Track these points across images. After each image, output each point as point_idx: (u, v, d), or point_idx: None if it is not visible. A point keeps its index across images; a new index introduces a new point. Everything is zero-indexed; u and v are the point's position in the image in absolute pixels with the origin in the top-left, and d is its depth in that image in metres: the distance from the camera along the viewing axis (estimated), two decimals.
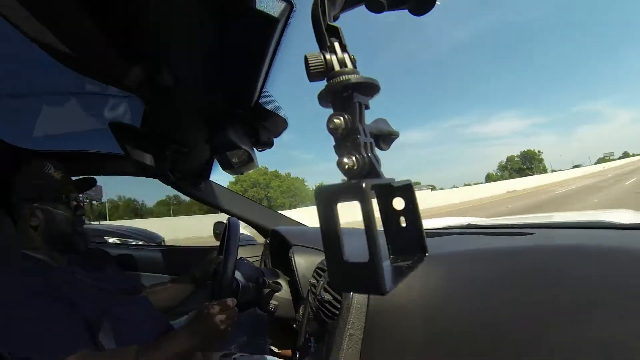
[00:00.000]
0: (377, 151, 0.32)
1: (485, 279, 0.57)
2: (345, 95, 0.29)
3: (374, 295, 0.30)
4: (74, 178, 1.03)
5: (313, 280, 0.97)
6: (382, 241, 0.31)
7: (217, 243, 1.68)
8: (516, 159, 78.01)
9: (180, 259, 1.80)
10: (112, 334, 0.87)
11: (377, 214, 0.31)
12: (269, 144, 0.79)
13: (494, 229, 0.90)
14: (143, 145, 0.90)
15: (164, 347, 0.83)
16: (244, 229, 1.81)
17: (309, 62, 0.29)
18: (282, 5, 0.50)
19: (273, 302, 1.15)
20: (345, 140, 0.29)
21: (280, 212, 1.90)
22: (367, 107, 0.31)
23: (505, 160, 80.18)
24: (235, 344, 1.29)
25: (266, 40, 0.51)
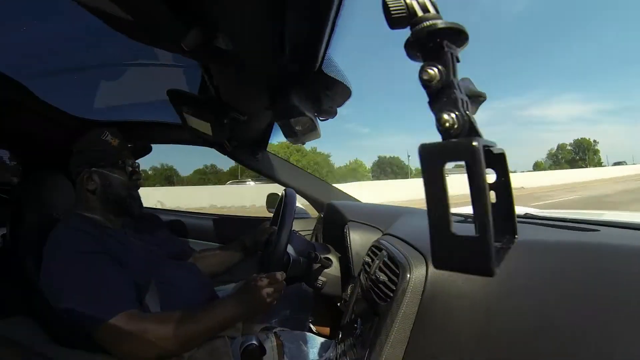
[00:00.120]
0: None
1: (551, 273, 0.53)
2: (435, 44, 0.26)
3: (478, 275, 0.25)
4: (130, 145, 1.07)
5: (367, 259, 0.94)
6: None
7: (268, 214, 1.70)
8: (568, 147, 72.24)
9: (231, 228, 1.83)
10: (158, 297, 0.91)
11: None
12: (332, 113, 0.76)
13: (556, 222, 0.82)
14: (201, 113, 0.90)
15: (209, 313, 0.84)
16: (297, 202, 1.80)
17: (389, 6, 0.26)
18: None
19: (321, 278, 1.14)
20: (441, 95, 0.26)
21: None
22: (457, 60, 0.27)
23: (555, 148, 74.51)
24: (276, 318, 1.30)
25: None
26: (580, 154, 69.63)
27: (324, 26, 0.51)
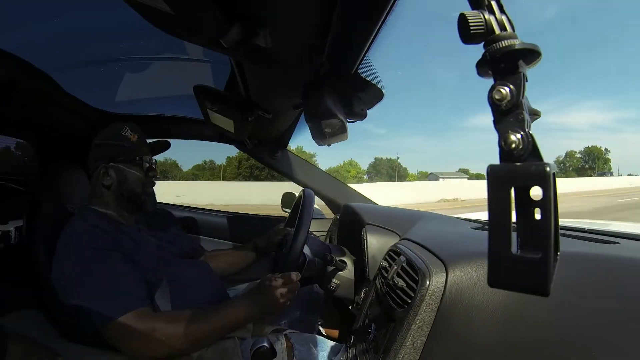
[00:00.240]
0: None
1: (571, 286, 0.53)
2: (509, 64, 0.26)
3: (533, 294, 0.25)
4: (148, 141, 1.07)
5: (384, 263, 0.93)
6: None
7: (282, 213, 1.69)
8: (577, 155, 71.30)
9: (245, 227, 1.82)
10: (169, 295, 0.90)
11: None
12: (362, 116, 0.75)
13: (573, 232, 0.81)
14: (226, 110, 0.89)
15: (220, 313, 0.84)
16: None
17: (469, 21, 0.26)
18: None
19: (335, 280, 1.13)
20: (509, 114, 0.26)
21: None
22: (526, 79, 0.27)
23: (563, 156, 73.50)
24: (286, 319, 1.29)
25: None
26: (590, 163, 68.72)
27: (369, 32, 0.50)
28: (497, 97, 0.26)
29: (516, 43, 0.25)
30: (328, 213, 1.81)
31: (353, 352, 0.86)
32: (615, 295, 0.48)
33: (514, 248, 0.26)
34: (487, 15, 0.26)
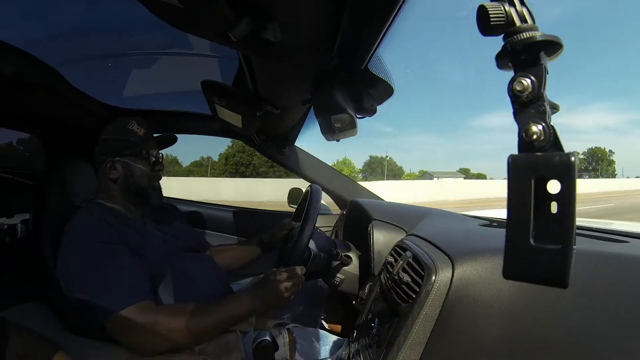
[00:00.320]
0: None
1: (579, 284, 0.51)
2: (530, 56, 0.26)
3: (550, 286, 0.25)
4: (155, 135, 1.07)
5: (390, 259, 0.93)
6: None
7: (288, 208, 1.69)
8: (580, 156, 70.78)
9: (250, 222, 1.82)
10: (172, 289, 0.90)
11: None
12: (372, 112, 0.75)
13: (583, 230, 0.80)
14: (234, 105, 0.89)
15: (223, 307, 0.84)
16: None
17: (490, 12, 0.26)
18: None
19: (339, 275, 1.13)
20: (530, 106, 0.26)
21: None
22: (547, 71, 0.27)
23: None
24: (289, 314, 1.29)
25: None
26: (594, 164, 68.23)
27: (380, 28, 0.50)
28: (518, 88, 0.26)
29: (537, 35, 0.25)
30: (335, 209, 1.81)
31: (355, 346, 0.86)
32: (626, 295, 0.47)
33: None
34: (507, 7, 0.26)
